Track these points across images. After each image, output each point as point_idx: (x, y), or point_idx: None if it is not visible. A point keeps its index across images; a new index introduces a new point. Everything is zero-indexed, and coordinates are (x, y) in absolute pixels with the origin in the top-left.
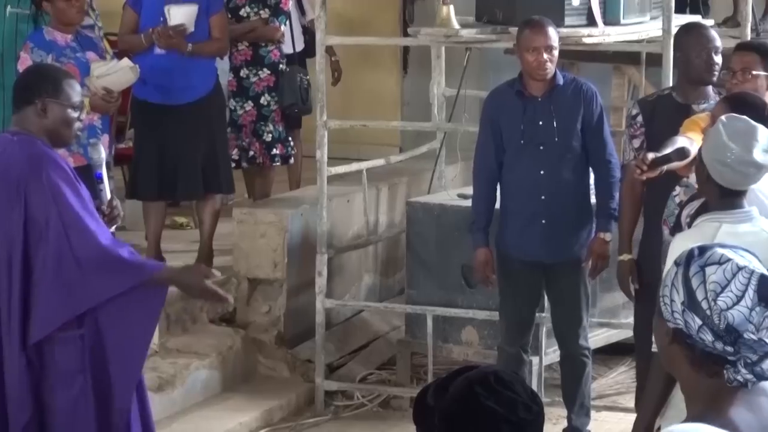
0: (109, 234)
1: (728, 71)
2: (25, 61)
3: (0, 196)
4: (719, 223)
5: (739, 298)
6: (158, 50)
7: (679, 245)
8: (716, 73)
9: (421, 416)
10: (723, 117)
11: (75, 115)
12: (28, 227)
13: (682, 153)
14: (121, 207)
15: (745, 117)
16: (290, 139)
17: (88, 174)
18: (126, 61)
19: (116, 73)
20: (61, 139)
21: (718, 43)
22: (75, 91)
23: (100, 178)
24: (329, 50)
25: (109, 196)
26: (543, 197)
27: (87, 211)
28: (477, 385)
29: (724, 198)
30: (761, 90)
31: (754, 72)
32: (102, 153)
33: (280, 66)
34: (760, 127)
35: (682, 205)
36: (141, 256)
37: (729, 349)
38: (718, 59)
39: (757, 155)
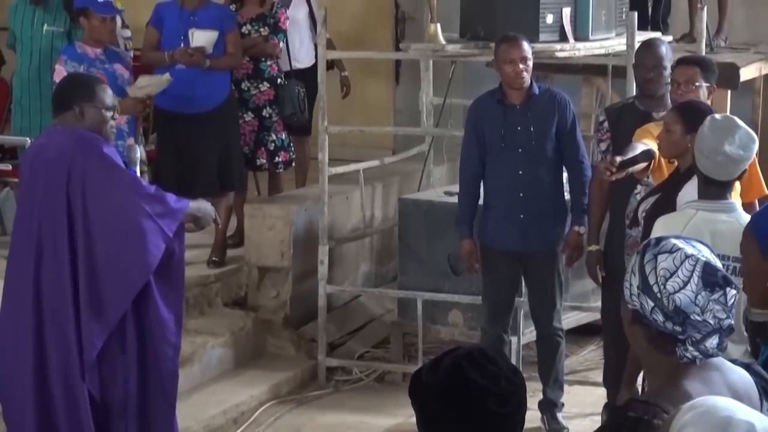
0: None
1: (673, 83)
2: (60, 73)
3: (52, 180)
4: (696, 210)
5: (685, 283)
6: (180, 65)
7: (660, 226)
8: (653, 86)
9: (415, 392)
10: (715, 115)
11: (109, 115)
12: (87, 201)
13: (648, 155)
14: None
15: (734, 117)
16: (291, 145)
17: None
18: (167, 75)
19: (156, 84)
20: (100, 137)
21: (654, 60)
22: (107, 95)
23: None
24: (339, 66)
25: None
26: (521, 194)
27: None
28: (463, 361)
29: (707, 187)
30: (703, 99)
31: (696, 83)
32: (137, 152)
33: (279, 80)
34: (744, 128)
35: (639, 201)
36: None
37: (678, 328)
38: (651, 75)
39: (727, 147)
